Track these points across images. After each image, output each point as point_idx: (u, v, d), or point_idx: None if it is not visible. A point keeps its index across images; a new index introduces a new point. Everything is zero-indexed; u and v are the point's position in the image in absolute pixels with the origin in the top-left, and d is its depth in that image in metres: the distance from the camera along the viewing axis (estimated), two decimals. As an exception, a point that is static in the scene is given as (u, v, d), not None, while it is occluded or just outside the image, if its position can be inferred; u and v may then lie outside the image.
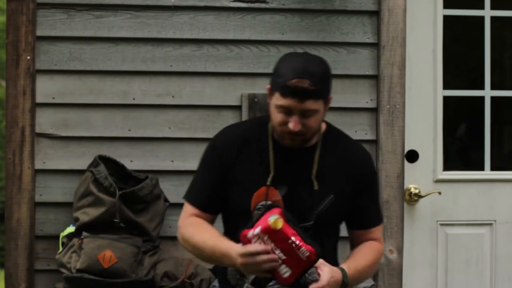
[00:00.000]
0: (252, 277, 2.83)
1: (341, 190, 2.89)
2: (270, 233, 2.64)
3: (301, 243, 2.63)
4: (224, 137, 2.97)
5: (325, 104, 2.82)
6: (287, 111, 2.77)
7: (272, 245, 2.65)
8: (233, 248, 2.72)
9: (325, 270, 2.72)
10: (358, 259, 2.90)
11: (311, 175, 2.88)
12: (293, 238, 2.63)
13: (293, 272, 2.66)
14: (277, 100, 2.78)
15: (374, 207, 2.99)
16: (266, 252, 2.64)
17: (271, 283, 2.76)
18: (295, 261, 2.65)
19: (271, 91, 2.82)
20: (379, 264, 3.06)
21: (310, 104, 2.75)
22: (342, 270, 2.79)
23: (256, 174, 2.87)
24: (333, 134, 2.98)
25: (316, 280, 2.70)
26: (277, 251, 2.65)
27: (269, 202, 2.82)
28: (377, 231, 2.99)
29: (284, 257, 2.64)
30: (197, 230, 2.88)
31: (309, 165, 2.89)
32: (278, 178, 2.86)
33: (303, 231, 2.70)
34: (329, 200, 2.84)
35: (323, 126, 2.95)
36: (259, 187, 2.85)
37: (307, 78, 2.73)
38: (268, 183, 2.85)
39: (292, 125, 2.77)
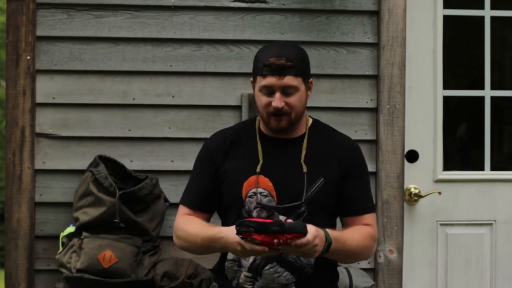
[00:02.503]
0: (248, 264, 2.91)
1: (330, 173, 2.93)
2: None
3: (283, 239, 2.67)
4: (213, 139, 3.07)
5: (305, 84, 2.93)
6: (270, 91, 2.89)
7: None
8: (230, 234, 2.77)
9: (310, 228, 2.73)
10: (343, 232, 2.91)
11: (299, 161, 2.94)
12: (275, 241, 2.67)
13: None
14: (259, 83, 2.90)
15: (364, 195, 3.01)
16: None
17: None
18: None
19: (253, 79, 2.95)
20: (372, 248, 2.97)
21: (290, 80, 2.88)
22: (323, 230, 2.79)
23: (245, 165, 2.95)
24: (320, 125, 3.08)
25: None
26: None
27: (260, 189, 2.90)
28: (368, 218, 2.99)
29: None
30: (188, 225, 2.97)
31: (297, 152, 2.97)
32: (267, 165, 2.93)
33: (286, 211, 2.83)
34: (320, 183, 2.90)
35: (310, 120, 3.05)
36: (249, 176, 2.93)
37: (283, 56, 2.88)
38: (257, 170, 2.92)
39: (275, 102, 2.88)
